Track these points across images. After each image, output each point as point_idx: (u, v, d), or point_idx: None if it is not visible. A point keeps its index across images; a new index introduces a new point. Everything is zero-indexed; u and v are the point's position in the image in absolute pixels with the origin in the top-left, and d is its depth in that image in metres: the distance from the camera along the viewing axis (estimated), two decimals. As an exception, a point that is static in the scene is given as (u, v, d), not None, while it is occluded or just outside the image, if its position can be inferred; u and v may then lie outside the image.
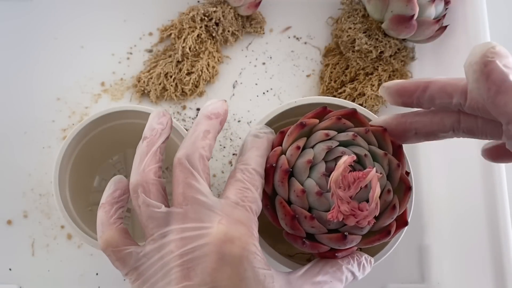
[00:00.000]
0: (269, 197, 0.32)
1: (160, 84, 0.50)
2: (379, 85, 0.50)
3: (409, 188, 0.31)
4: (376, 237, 0.31)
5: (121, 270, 0.29)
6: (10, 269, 0.47)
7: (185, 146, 0.30)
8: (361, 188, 0.29)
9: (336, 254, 0.32)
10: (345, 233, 0.30)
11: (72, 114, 0.51)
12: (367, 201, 0.29)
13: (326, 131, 0.31)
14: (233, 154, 0.50)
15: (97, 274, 0.47)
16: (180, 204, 0.28)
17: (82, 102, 0.51)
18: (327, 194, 0.30)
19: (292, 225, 0.31)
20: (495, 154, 0.35)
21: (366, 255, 0.33)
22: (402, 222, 0.32)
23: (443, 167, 0.50)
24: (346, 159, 0.28)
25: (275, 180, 0.31)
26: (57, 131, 0.50)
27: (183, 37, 0.51)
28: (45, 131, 0.50)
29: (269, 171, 0.32)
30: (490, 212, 0.46)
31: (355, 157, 0.28)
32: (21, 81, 0.51)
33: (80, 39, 0.53)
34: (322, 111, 0.33)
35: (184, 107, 0.51)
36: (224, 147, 0.50)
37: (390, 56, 0.50)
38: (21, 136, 0.50)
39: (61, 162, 0.39)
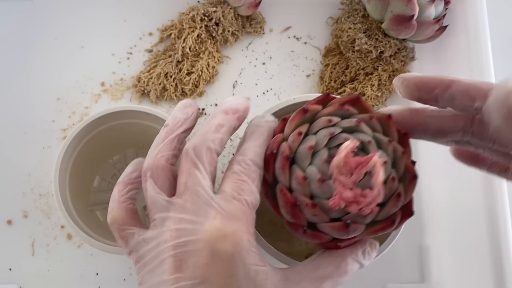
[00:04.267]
0: (270, 185, 0.31)
1: (160, 84, 0.50)
2: (379, 85, 0.50)
3: (414, 177, 0.30)
4: (380, 227, 0.30)
5: (124, 248, 0.30)
6: (10, 269, 0.47)
7: (195, 137, 0.30)
8: (365, 175, 0.28)
9: (339, 244, 0.30)
10: (348, 222, 0.29)
11: (72, 114, 0.51)
12: (371, 188, 0.28)
13: (329, 117, 0.30)
14: (233, 154, 0.50)
15: (97, 274, 0.47)
16: (181, 194, 0.28)
17: (82, 102, 0.51)
18: (330, 181, 0.29)
19: (293, 213, 0.29)
20: (466, 156, 0.35)
21: (369, 240, 0.32)
22: (407, 212, 0.31)
23: (444, 167, 0.50)
24: (348, 144, 0.27)
25: (276, 168, 0.30)
26: (57, 131, 0.50)
27: (183, 37, 0.51)
28: (45, 131, 0.50)
29: (269, 159, 0.31)
30: (490, 212, 0.46)
31: (358, 142, 0.28)
32: (21, 81, 0.51)
33: (80, 39, 0.53)
34: (325, 98, 0.32)
35: (184, 107, 0.51)
36: (224, 147, 0.50)
37: (390, 56, 0.50)
38: (21, 136, 0.50)
39: (61, 162, 0.39)
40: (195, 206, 0.28)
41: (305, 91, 0.52)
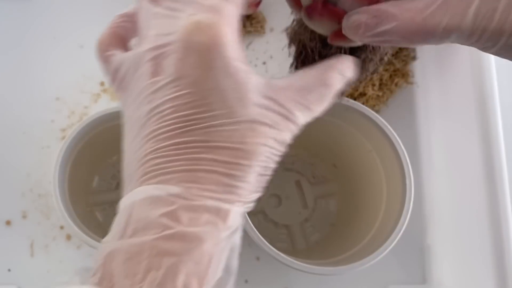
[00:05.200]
0: None
1: (160, 83, 0.50)
2: (380, 84, 0.50)
3: None
4: None
5: (106, 75, 0.27)
6: (9, 270, 0.46)
7: None
8: None
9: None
10: None
11: (72, 114, 0.50)
12: None
13: None
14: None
15: (96, 275, 0.47)
16: (158, 3, 0.26)
17: (82, 102, 0.51)
18: None
19: None
20: None
21: (348, 57, 0.29)
22: None
23: (445, 167, 0.49)
24: None
25: None
26: (56, 131, 0.50)
27: (183, 36, 0.51)
28: (44, 131, 0.50)
29: None
30: (492, 212, 0.45)
31: None
32: (20, 81, 0.51)
33: (79, 38, 0.52)
34: None
35: (184, 107, 0.51)
36: None
37: (392, 55, 0.50)
38: (20, 136, 0.49)
39: (60, 162, 0.39)
40: (172, 10, 0.25)
41: (305, 91, 0.52)
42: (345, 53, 0.32)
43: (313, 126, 0.45)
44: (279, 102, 0.25)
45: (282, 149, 0.26)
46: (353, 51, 0.32)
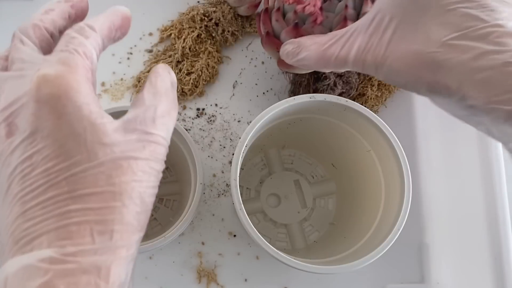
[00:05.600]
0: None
1: (160, 84, 0.50)
2: (379, 85, 0.50)
3: None
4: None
5: None
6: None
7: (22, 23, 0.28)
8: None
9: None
10: (296, 22, 0.36)
11: (72, 114, 0.51)
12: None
13: None
14: (233, 154, 0.50)
15: (97, 274, 0.47)
16: (10, 68, 0.26)
17: (82, 102, 0.51)
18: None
19: (264, 20, 0.39)
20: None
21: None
22: None
23: (443, 166, 0.50)
24: None
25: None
26: (57, 131, 0.50)
27: (183, 37, 0.51)
28: (45, 131, 0.50)
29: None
30: (489, 211, 0.46)
31: None
32: (21, 81, 0.51)
33: (80, 39, 0.53)
34: None
35: (184, 107, 0.51)
36: (224, 147, 0.50)
37: (390, 56, 0.50)
38: (21, 136, 0.50)
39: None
40: (21, 70, 0.25)
41: (305, 91, 0.52)
42: (308, 82, 0.44)
43: (312, 127, 0.45)
44: (135, 130, 0.25)
45: (154, 178, 0.25)
46: (315, 81, 0.45)
